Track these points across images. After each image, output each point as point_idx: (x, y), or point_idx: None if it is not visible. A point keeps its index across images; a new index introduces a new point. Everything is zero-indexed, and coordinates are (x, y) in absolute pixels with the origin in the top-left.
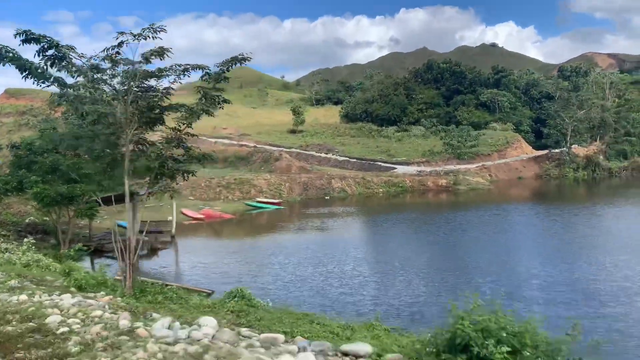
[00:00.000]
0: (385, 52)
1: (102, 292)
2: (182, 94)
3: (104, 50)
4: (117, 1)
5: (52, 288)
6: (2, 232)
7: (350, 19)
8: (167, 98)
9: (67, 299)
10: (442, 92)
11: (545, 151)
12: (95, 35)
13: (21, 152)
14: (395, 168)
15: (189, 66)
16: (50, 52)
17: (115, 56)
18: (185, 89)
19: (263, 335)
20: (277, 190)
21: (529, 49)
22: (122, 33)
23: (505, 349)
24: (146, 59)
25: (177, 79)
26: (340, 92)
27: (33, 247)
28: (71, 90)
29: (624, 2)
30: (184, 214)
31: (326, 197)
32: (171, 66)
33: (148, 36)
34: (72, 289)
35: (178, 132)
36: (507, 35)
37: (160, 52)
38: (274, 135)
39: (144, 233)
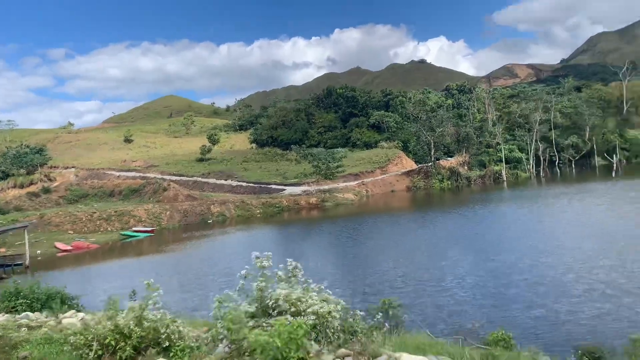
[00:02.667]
0: (323, 72)
1: None
2: (107, 126)
3: None
4: (46, 33)
5: None
6: None
7: (286, 41)
8: None
9: None
10: (340, 115)
11: (418, 166)
12: (23, 69)
13: None
14: (284, 189)
15: None
16: None
17: None
18: (110, 121)
19: None
20: (156, 219)
21: (460, 62)
22: None
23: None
24: None
25: None
26: (262, 117)
27: None
28: None
29: (543, 13)
30: (55, 246)
31: (208, 221)
32: None
33: None
34: None
35: None
36: (439, 50)
37: None
38: (181, 164)
39: None
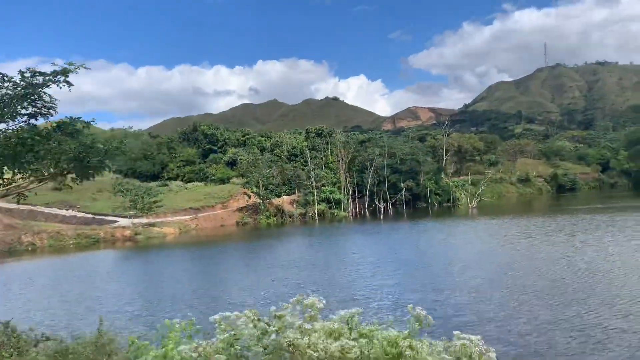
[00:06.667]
0: (245, 101)
1: None
2: None
3: None
4: None
5: None
6: None
7: (208, 68)
8: None
9: None
10: (201, 151)
11: (248, 202)
12: None
13: None
14: (117, 221)
15: None
16: None
17: None
18: None
19: None
20: None
21: (377, 101)
22: None
23: None
24: None
25: None
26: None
27: None
28: None
29: (454, 60)
30: None
31: (27, 249)
32: None
33: None
34: None
35: None
36: (358, 88)
37: None
38: (32, 192)
39: None
